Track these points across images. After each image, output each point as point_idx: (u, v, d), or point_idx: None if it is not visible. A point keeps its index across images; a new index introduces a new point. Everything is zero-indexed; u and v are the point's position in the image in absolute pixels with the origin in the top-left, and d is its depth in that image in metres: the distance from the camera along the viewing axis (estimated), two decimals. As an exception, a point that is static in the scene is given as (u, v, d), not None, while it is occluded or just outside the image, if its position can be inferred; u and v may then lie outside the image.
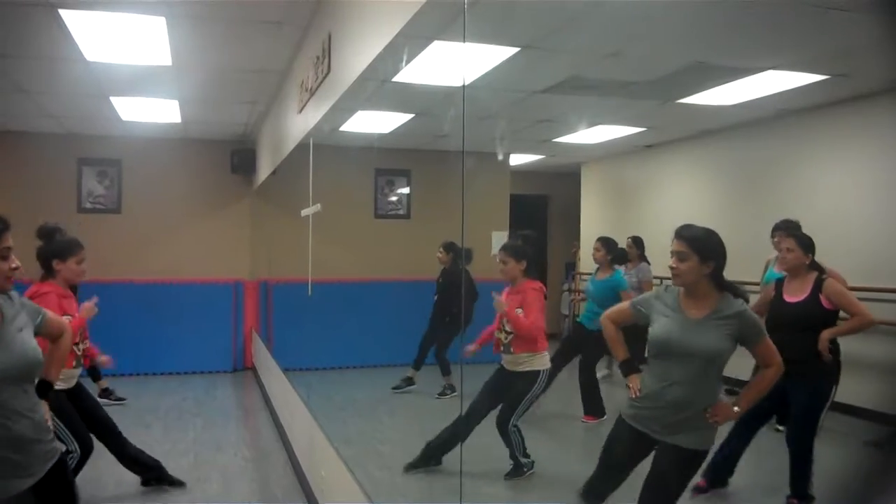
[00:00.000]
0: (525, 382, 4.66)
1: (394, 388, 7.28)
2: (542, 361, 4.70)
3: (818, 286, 4.09)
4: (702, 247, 2.91)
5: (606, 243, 6.06)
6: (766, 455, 4.67)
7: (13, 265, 2.45)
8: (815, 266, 4.21)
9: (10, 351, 2.42)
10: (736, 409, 2.97)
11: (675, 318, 3.01)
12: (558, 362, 5.67)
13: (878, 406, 5.47)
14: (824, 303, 4.08)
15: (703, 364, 2.93)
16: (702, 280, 2.94)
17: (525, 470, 4.73)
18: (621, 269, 6.14)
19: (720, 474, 4.38)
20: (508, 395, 4.71)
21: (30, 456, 2.50)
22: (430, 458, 4.83)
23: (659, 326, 3.04)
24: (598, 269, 6.19)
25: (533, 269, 4.75)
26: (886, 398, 5.54)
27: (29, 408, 2.51)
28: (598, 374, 6.45)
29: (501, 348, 4.73)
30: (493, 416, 4.76)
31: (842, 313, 4.19)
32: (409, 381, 7.29)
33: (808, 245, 4.19)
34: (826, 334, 4.07)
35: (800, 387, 4.07)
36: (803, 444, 4.10)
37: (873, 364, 5.68)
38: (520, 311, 4.61)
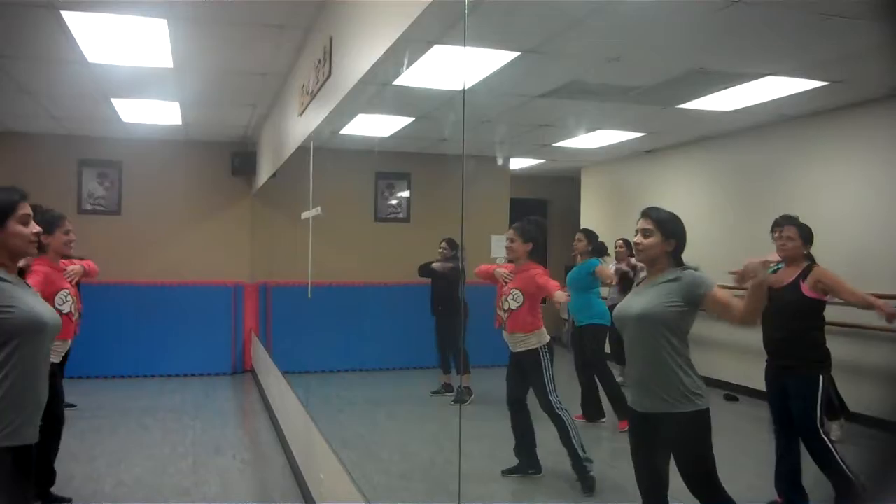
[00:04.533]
0: (532, 362, 4.64)
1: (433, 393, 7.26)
2: (538, 339, 4.66)
3: (804, 273, 4.07)
4: (665, 226, 3.08)
5: (588, 235, 6.19)
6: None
7: (34, 230, 2.60)
8: (810, 259, 4.20)
9: (51, 309, 2.62)
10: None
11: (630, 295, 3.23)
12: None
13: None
14: (804, 290, 4.02)
15: (642, 328, 3.03)
16: (662, 257, 3.08)
17: (588, 470, 4.53)
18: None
19: (793, 487, 4.17)
20: (528, 379, 4.69)
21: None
22: (525, 466, 4.83)
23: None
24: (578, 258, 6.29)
25: (538, 254, 4.77)
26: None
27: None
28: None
29: (501, 325, 4.75)
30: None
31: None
32: (449, 389, 7.18)
33: (808, 236, 4.18)
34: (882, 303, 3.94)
35: (789, 379, 4.05)
36: (813, 441, 3.96)
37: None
38: (518, 293, 4.61)
